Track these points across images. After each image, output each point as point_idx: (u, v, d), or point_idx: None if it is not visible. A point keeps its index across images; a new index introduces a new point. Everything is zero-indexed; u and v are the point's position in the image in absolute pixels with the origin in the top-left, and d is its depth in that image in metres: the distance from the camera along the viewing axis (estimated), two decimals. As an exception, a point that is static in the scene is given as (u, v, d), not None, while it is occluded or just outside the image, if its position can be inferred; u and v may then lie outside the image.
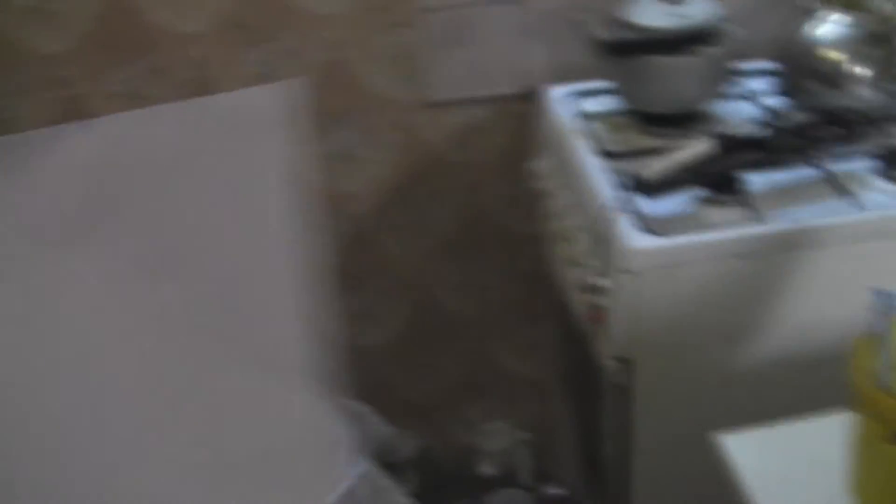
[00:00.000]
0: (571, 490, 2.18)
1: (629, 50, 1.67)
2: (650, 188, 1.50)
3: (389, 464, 1.93)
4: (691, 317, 1.49)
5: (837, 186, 1.55)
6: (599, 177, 1.59)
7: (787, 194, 1.54)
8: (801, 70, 1.72)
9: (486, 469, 2.26)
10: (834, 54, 1.68)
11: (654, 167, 1.51)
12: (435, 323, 2.20)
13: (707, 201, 1.52)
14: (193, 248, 1.17)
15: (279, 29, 1.86)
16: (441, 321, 2.20)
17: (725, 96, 1.76)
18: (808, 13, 1.72)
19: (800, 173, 1.58)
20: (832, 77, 1.68)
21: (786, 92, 1.75)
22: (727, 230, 1.46)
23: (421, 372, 2.26)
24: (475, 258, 2.13)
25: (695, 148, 1.53)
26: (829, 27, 1.70)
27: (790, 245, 1.46)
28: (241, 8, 1.82)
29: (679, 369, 1.53)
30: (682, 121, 1.70)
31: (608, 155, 1.65)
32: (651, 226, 1.47)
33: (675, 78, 1.68)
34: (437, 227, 2.09)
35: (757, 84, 1.84)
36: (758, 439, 1.14)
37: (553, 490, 2.22)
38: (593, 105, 1.81)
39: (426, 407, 2.28)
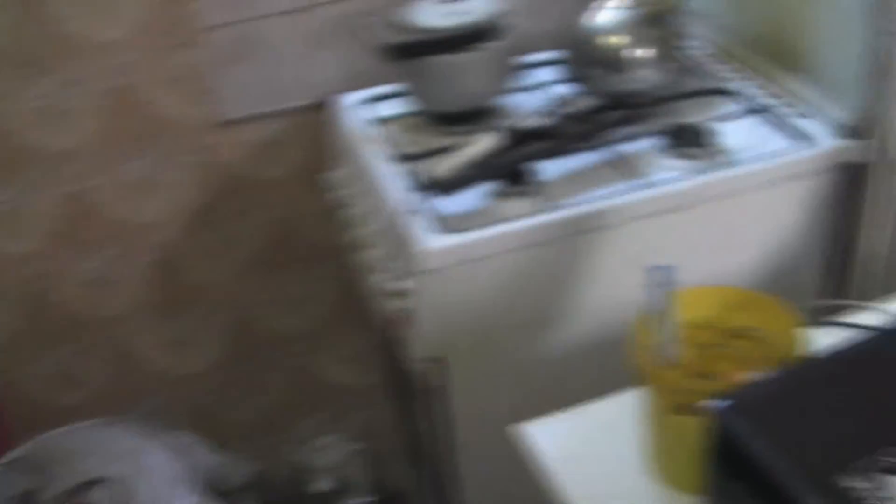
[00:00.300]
0: (405, 494, 2.18)
1: (413, 52, 1.67)
2: (443, 186, 1.51)
3: (223, 492, 1.90)
4: (496, 309, 1.50)
5: (626, 167, 1.58)
6: (394, 180, 1.59)
7: (578, 180, 1.56)
8: (585, 57, 1.75)
9: (323, 485, 2.24)
10: (615, 39, 1.71)
11: (445, 165, 1.52)
12: (256, 342, 2.18)
13: (501, 194, 1.53)
14: None
15: (59, 60, 1.80)
16: (262, 340, 2.18)
17: (514, 89, 1.77)
18: (587, 1, 1.75)
19: (589, 158, 1.61)
20: (615, 61, 1.71)
21: (573, 80, 1.77)
22: (521, 221, 1.47)
23: (247, 393, 2.22)
24: (289, 273, 2.11)
25: (482, 143, 1.53)
26: (609, 13, 1.73)
27: (582, 229, 1.48)
28: (15, 41, 1.76)
29: (490, 362, 1.54)
30: (474, 117, 1.71)
31: (404, 158, 1.65)
32: (447, 224, 1.48)
33: (461, 75, 1.69)
34: (247, 246, 2.06)
35: (545, 74, 1.86)
36: (558, 424, 1.15)
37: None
38: (387, 109, 1.81)
39: (256, 429, 2.25)
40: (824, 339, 0.97)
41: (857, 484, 0.76)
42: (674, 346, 0.99)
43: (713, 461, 0.86)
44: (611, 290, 1.53)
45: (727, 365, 1.02)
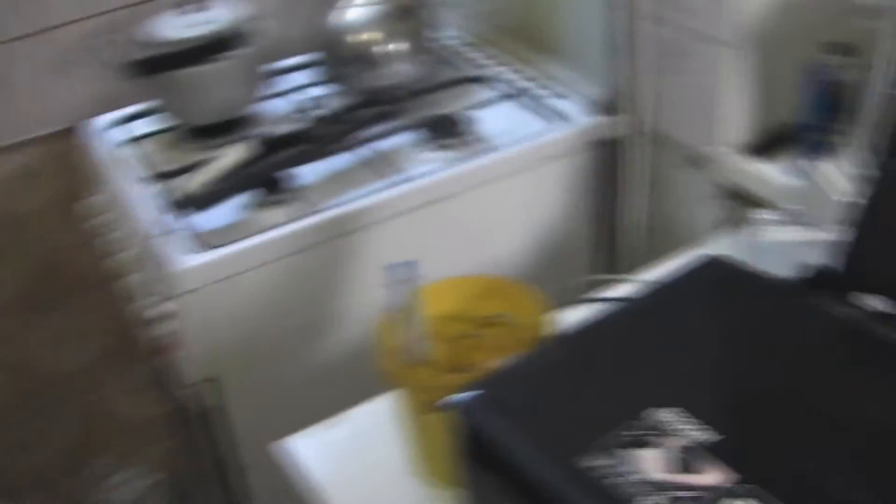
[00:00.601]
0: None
1: (158, 67, 1.61)
2: (196, 202, 1.46)
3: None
4: (264, 322, 1.46)
5: (384, 164, 1.56)
6: (148, 201, 1.53)
7: (336, 182, 1.53)
8: (338, 57, 1.73)
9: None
10: (366, 36, 1.69)
11: (197, 180, 1.47)
12: (37, 385, 2.08)
13: (260, 204, 1.49)
14: None
15: None
16: (43, 381, 2.08)
17: (269, 96, 1.74)
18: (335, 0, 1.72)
19: (347, 159, 1.58)
20: (368, 58, 1.69)
21: (329, 81, 1.75)
22: (279, 230, 1.43)
23: (35, 439, 2.12)
24: (60, 309, 2.02)
25: (234, 154, 1.49)
26: (358, 10, 1.71)
27: (343, 232, 1.46)
28: None
29: (264, 377, 1.50)
30: (229, 128, 1.66)
31: (160, 176, 1.59)
32: (203, 240, 1.43)
33: (210, 87, 1.64)
34: (11, 286, 1.96)
35: (300, 78, 1.83)
36: (322, 435, 1.12)
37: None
38: (141, 128, 1.75)
39: (49, 474, 2.15)
40: (581, 317, 0.96)
41: (599, 462, 0.75)
42: (423, 343, 0.97)
43: (464, 455, 0.85)
44: (378, 290, 1.50)
45: (482, 355, 1.00)
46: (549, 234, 1.64)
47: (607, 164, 1.62)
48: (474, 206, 1.55)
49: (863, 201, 0.96)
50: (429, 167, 1.54)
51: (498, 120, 1.64)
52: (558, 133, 1.59)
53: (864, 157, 0.96)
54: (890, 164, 0.95)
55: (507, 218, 1.60)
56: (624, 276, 1.29)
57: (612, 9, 1.50)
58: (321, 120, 1.59)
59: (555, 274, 1.63)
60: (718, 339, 0.89)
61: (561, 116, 1.63)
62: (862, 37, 1.25)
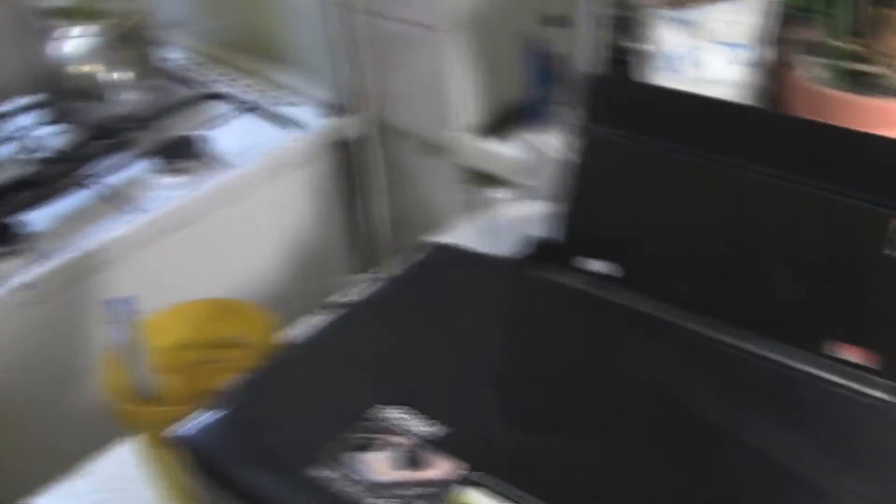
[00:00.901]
0: None
1: None
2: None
3: None
4: (15, 382, 1.40)
5: (120, 198, 1.50)
6: None
7: (74, 223, 1.47)
8: (62, 93, 1.66)
9: None
10: (88, 68, 1.63)
11: (-83, 243, 1.39)
12: None
13: (-11, 258, 1.42)
14: None
15: None
16: None
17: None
18: (48, 34, 1.65)
19: (82, 197, 1.52)
20: (93, 91, 1.63)
21: (57, 119, 1.68)
22: (15, 280, 1.36)
23: None
24: None
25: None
26: (76, 42, 1.65)
27: (84, 273, 1.40)
28: None
29: (23, 438, 1.43)
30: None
31: None
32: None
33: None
34: None
35: (25, 120, 1.74)
36: (67, 489, 1.07)
37: None
38: None
39: None
40: (315, 323, 0.93)
41: (328, 472, 0.73)
42: (150, 378, 0.93)
43: (200, 484, 0.82)
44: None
45: (221, 379, 0.97)
46: (304, 242, 1.62)
47: (349, 164, 1.61)
48: (220, 226, 1.51)
49: (573, 168, 0.97)
50: (166, 194, 1.49)
51: (235, 136, 1.62)
52: (294, 141, 1.58)
53: (575, 125, 0.97)
54: (591, 129, 0.97)
55: (258, 233, 1.57)
56: (367, 273, 1.28)
57: (326, 6, 1.48)
58: (47, 161, 1.53)
59: (316, 281, 1.61)
60: (445, 329, 0.88)
61: (296, 124, 1.61)
62: (571, 6, 1.27)
